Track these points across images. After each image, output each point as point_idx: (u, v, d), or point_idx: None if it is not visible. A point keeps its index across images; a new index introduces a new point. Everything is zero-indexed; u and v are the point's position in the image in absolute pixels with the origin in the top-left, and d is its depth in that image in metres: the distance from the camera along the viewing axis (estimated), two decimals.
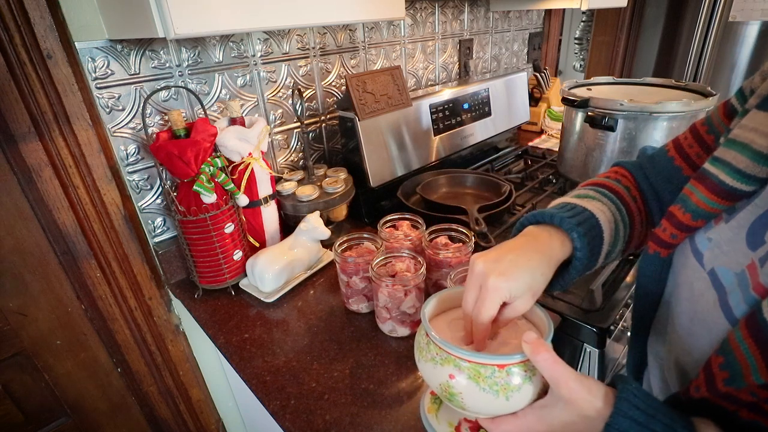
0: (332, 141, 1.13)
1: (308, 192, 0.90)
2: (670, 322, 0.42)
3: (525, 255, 0.42)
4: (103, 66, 0.71)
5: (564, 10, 1.99)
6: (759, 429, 0.31)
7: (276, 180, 0.94)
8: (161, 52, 0.77)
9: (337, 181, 0.94)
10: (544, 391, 0.38)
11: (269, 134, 0.99)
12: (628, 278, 0.80)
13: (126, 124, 0.76)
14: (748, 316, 0.30)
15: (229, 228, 0.79)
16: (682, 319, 0.40)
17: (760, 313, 0.29)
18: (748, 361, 0.29)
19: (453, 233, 0.76)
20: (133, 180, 0.80)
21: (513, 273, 0.41)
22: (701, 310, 0.37)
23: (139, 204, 0.82)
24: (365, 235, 0.76)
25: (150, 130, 0.79)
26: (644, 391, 0.34)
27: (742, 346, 0.30)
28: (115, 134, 0.76)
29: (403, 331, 0.69)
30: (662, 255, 0.42)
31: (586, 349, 0.73)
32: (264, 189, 0.85)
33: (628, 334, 0.54)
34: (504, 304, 0.41)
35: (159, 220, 0.86)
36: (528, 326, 0.44)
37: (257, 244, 0.88)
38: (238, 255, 0.81)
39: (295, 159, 1.07)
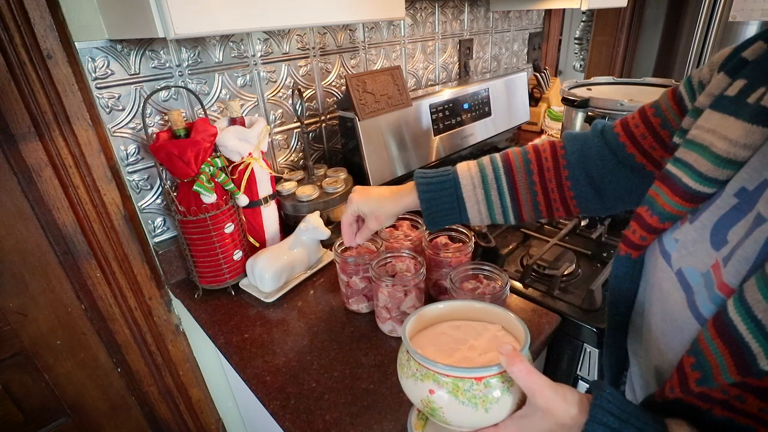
0: (332, 141, 1.13)
1: (308, 192, 0.90)
2: (645, 323, 0.42)
3: (384, 193, 0.61)
4: (103, 66, 0.71)
5: (564, 10, 1.98)
6: (732, 425, 0.32)
7: (276, 180, 0.94)
8: (161, 52, 0.77)
9: (337, 181, 0.94)
10: (522, 401, 0.38)
11: (269, 134, 0.99)
12: None
13: (126, 124, 0.76)
14: (715, 316, 0.31)
15: (229, 228, 0.79)
16: (655, 320, 0.40)
17: (725, 313, 0.29)
18: (718, 360, 0.30)
19: (453, 233, 0.76)
20: (133, 180, 0.80)
21: (365, 198, 0.60)
22: (671, 311, 0.37)
23: (139, 204, 0.82)
24: None
25: (150, 130, 0.79)
26: (619, 396, 0.34)
27: (711, 345, 0.30)
28: (115, 134, 0.76)
29: None
30: (633, 256, 0.43)
31: (586, 349, 0.73)
32: (264, 189, 0.85)
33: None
34: (363, 223, 0.62)
35: (159, 220, 0.86)
36: (507, 337, 0.44)
37: (257, 244, 0.88)
38: (238, 255, 0.81)
39: (295, 159, 1.07)
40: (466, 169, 0.58)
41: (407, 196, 0.60)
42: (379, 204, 0.60)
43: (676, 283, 0.37)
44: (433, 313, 0.48)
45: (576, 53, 2.20)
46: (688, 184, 0.36)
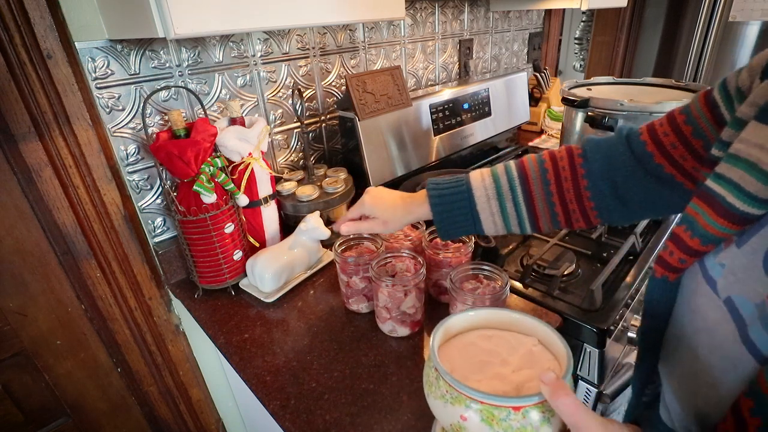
0: (332, 141, 1.13)
1: (308, 192, 0.90)
2: (689, 351, 0.39)
3: (396, 200, 0.61)
4: (103, 66, 0.71)
5: (564, 10, 1.98)
6: None
7: (276, 180, 0.94)
8: (161, 52, 0.77)
9: (337, 181, 0.94)
10: None
11: (269, 134, 0.99)
12: (628, 278, 0.80)
13: (126, 124, 0.76)
14: None
15: (229, 228, 0.79)
16: (701, 351, 0.37)
17: None
18: None
19: None
20: (133, 180, 0.80)
21: (378, 201, 0.61)
22: (720, 344, 0.34)
23: (139, 204, 0.82)
24: (365, 235, 0.76)
25: (150, 130, 0.79)
26: None
27: None
28: (115, 134, 0.76)
29: (403, 331, 0.69)
30: (670, 279, 0.40)
31: (586, 349, 0.73)
32: (264, 189, 0.85)
33: (630, 354, 0.54)
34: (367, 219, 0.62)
35: (159, 220, 0.86)
36: (545, 354, 0.41)
37: (257, 244, 0.88)
38: (238, 255, 0.81)
39: (295, 159, 1.07)
40: (479, 179, 0.57)
41: (419, 207, 0.59)
42: (392, 211, 0.60)
43: (725, 313, 0.34)
44: (461, 322, 0.45)
45: (576, 53, 2.20)
46: (733, 204, 0.33)
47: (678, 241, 0.38)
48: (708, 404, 0.37)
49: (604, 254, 0.87)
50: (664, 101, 0.93)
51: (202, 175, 0.72)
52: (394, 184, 1.07)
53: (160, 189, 0.84)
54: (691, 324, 0.38)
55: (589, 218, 0.55)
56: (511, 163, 0.57)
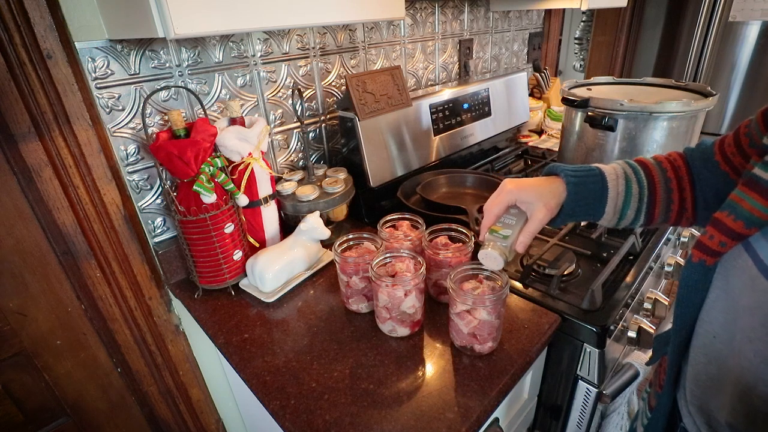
0: (332, 141, 1.13)
1: (308, 192, 0.90)
2: (734, 348, 0.39)
3: (538, 181, 0.58)
4: (103, 66, 0.71)
5: (564, 10, 1.98)
6: None
7: (276, 180, 0.94)
8: (161, 52, 0.77)
9: (337, 181, 0.94)
10: None
11: (269, 134, 0.99)
12: (628, 278, 0.80)
13: (126, 124, 0.76)
14: None
15: (229, 228, 0.79)
16: (756, 346, 0.37)
17: None
18: None
19: (453, 233, 0.76)
20: (133, 180, 0.80)
21: (525, 186, 0.57)
22: None
23: (139, 204, 0.82)
24: (365, 235, 0.76)
25: (150, 130, 0.79)
26: None
27: None
28: (115, 134, 0.76)
29: (403, 331, 0.69)
30: (708, 263, 0.40)
31: (586, 349, 0.73)
32: (264, 189, 0.85)
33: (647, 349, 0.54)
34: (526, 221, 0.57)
35: (159, 220, 0.86)
36: None
37: (257, 244, 0.88)
38: (238, 255, 0.81)
39: (295, 159, 1.07)
40: (607, 166, 0.58)
41: (558, 185, 0.56)
42: (540, 190, 0.56)
43: None
44: None
45: (576, 53, 2.20)
46: None
47: (719, 225, 0.39)
48: (761, 403, 0.37)
49: (604, 254, 0.87)
50: (664, 101, 0.93)
51: (202, 175, 0.72)
52: (394, 184, 1.07)
53: (160, 189, 0.84)
54: (742, 318, 0.38)
55: (690, 214, 0.57)
56: (627, 159, 0.60)
